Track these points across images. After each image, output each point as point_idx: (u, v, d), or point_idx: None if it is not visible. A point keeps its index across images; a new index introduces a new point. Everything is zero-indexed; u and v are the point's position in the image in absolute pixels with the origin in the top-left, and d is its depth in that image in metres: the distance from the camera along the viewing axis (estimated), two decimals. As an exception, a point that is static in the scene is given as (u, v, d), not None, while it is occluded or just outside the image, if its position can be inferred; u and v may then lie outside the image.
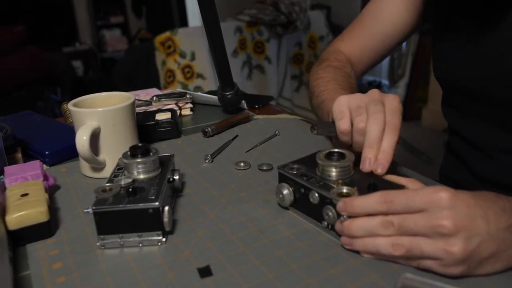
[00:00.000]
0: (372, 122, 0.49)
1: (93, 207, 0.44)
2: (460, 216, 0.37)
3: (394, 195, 0.39)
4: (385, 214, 0.40)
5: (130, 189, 0.45)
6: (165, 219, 0.45)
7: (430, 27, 0.73)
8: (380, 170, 0.47)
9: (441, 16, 0.67)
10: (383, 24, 0.76)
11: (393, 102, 0.50)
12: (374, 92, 0.52)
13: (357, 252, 0.42)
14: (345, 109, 0.52)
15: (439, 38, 0.68)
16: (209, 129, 0.74)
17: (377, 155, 0.48)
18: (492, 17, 0.58)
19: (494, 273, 0.38)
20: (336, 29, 3.17)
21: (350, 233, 0.41)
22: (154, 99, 0.86)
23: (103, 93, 0.65)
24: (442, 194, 0.37)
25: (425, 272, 0.39)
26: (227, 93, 0.82)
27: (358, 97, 0.52)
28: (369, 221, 0.40)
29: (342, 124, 0.51)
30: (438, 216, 0.37)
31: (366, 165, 0.48)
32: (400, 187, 0.44)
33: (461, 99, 0.67)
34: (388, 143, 0.48)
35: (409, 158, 0.54)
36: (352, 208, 0.41)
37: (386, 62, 3.25)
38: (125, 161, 0.50)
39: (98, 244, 0.45)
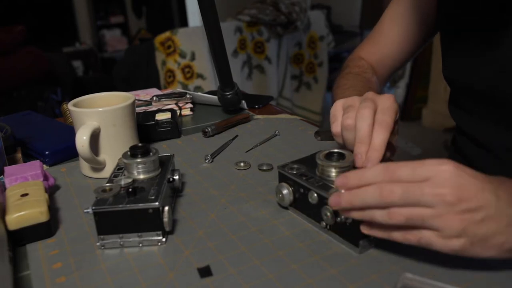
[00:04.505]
0: (359, 118, 0.49)
1: (93, 207, 0.44)
2: (466, 186, 0.36)
3: (398, 165, 0.38)
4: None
5: (130, 189, 0.45)
6: (165, 219, 0.45)
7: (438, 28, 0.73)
8: (370, 166, 0.47)
9: (450, 17, 0.67)
10: (401, 28, 0.77)
11: (386, 101, 0.50)
12: (368, 93, 0.53)
13: (357, 252, 0.42)
14: (339, 112, 0.52)
15: (448, 38, 0.68)
16: (209, 129, 0.74)
17: (367, 151, 0.48)
18: (502, 19, 0.58)
19: (499, 257, 0.37)
20: (336, 29, 3.17)
21: (349, 203, 0.40)
22: (154, 99, 0.86)
23: (103, 93, 0.65)
24: (446, 166, 0.36)
25: (425, 272, 0.39)
26: (227, 93, 0.82)
27: (352, 99, 0.53)
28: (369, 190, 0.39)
29: (334, 127, 0.52)
30: (443, 185, 0.36)
31: (358, 160, 0.47)
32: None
33: (469, 99, 0.67)
34: (378, 139, 0.47)
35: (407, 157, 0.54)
36: (355, 180, 0.40)
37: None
38: (125, 161, 0.50)
39: (98, 244, 0.45)
